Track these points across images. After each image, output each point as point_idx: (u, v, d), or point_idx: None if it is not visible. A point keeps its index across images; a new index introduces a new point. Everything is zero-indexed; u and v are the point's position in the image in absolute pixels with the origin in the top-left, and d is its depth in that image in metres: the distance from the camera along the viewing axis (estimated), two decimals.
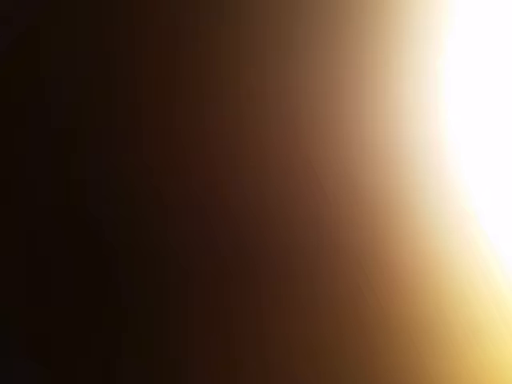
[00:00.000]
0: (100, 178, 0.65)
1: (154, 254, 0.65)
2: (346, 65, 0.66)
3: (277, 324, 0.65)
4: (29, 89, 0.65)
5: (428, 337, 0.65)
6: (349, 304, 0.65)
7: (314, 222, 0.65)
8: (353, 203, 0.65)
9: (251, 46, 0.66)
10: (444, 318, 0.65)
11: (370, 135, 0.66)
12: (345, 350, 0.65)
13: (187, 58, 0.66)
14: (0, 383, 0.63)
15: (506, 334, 0.64)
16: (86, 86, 0.65)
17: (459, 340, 0.65)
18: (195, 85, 0.66)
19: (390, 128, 0.66)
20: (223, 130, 0.66)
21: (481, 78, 0.66)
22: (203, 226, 0.65)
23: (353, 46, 0.66)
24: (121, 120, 0.65)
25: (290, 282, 0.65)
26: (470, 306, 0.65)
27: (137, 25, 0.66)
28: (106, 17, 0.66)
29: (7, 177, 0.65)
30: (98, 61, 0.65)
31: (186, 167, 0.65)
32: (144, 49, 0.66)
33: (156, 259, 0.65)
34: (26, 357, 0.64)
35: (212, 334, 0.64)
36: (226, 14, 0.66)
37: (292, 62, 0.66)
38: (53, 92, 0.65)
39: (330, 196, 0.65)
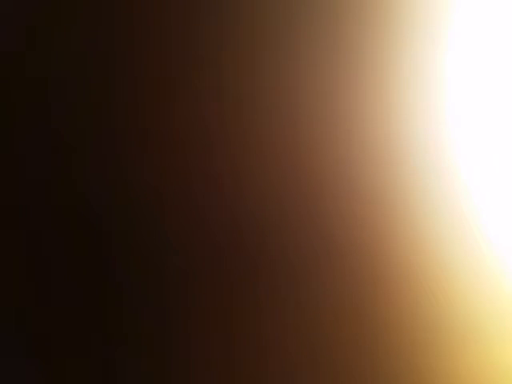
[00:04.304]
0: (100, 178, 0.65)
1: (154, 254, 0.65)
2: (346, 65, 0.66)
3: (276, 324, 0.65)
4: (29, 89, 0.65)
5: (427, 336, 0.65)
6: (349, 304, 0.65)
7: (314, 222, 0.65)
8: (352, 203, 0.65)
9: (251, 45, 0.66)
10: (443, 317, 0.65)
11: (370, 135, 0.66)
12: (345, 349, 0.65)
13: (187, 58, 0.66)
14: (0, 383, 0.63)
15: (505, 333, 0.64)
16: (86, 86, 0.66)
17: (459, 339, 0.65)
18: (195, 85, 0.66)
19: (390, 128, 0.66)
20: (223, 129, 0.66)
21: (481, 78, 0.66)
22: (203, 226, 0.65)
23: (353, 46, 0.66)
24: (121, 120, 0.65)
25: (289, 281, 0.65)
26: (470, 305, 0.65)
27: (136, 25, 0.66)
28: (105, 17, 0.66)
29: (7, 177, 0.65)
30: (97, 61, 0.66)
31: (186, 167, 0.65)
32: (144, 49, 0.66)
33: (156, 259, 0.65)
34: (26, 357, 0.64)
35: (212, 334, 0.64)
36: (225, 13, 0.66)
37: (292, 61, 0.66)
38: (53, 92, 0.65)
39: (329, 196, 0.65)
